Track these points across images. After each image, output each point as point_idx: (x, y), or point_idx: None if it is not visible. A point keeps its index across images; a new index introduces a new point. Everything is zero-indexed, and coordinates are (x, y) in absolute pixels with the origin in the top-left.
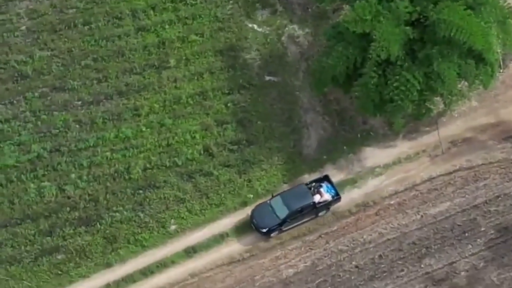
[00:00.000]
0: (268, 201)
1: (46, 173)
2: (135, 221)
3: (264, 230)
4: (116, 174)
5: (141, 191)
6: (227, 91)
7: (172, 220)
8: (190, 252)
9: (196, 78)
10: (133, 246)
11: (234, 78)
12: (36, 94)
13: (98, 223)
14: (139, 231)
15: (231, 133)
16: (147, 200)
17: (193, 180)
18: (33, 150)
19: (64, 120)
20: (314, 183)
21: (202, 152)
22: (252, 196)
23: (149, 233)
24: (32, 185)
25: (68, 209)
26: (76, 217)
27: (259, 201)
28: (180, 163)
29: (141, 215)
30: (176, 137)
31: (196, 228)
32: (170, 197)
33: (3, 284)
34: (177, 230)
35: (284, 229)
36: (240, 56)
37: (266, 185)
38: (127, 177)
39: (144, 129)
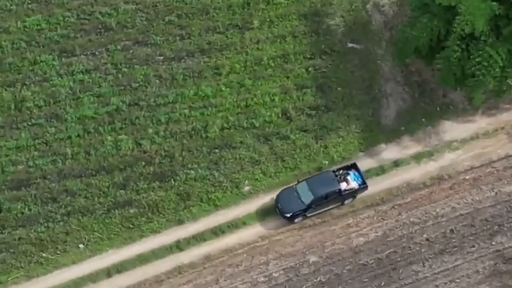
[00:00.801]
0: (294, 186)
1: (123, 126)
2: (209, 179)
3: (288, 215)
4: (193, 132)
5: (217, 150)
6: (308, 56)
7: (246, 181)
8: (262, 214)
9: (278, 40)
10: (206, 204)
11: (317, 43)
12: (119, 47)
13: (172, 180)
14: (213, 190)
15: (310, 98)
16: (223, 159)
17: (269, 142)
18: (112, 102)
19: (145, 75)
20: (341, 171)
21: (280, 115)
22: (327, 162)
23: (222, 193)
24: (109, 137)
25: (143, 163)
26: (150, 172)
27: (334, 168)
28: (257, 125)
29: (216, 174)
30: (255, 99)
31: (269, 191)
32: (246, 158)
33: (75, 234)
34: (251, 192)
35: (308, 215)
36: (324, 21)
37: (342, 152)
38: (204, 135)
39: (223, 89)
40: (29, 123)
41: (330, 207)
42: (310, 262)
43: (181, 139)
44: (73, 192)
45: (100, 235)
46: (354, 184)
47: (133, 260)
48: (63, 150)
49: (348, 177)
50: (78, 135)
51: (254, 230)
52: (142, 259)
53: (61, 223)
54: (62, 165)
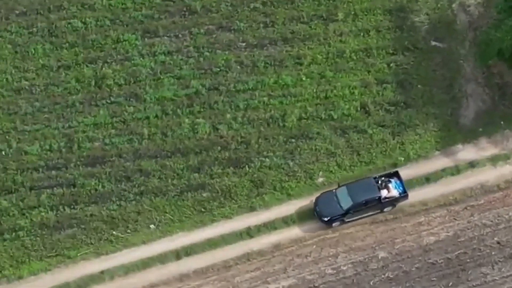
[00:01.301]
0: (334, 190)
1: (202, 110)
2: (283, 168)
3: (326, 219)
4: (270, 120)
5: (293, 140)
6: (391, 51)
7: (321, 172)
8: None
9: (362, 34)
10: (279, 193)
11: (400, 39)
12: (202, 30)
13: (247, 166)
14: (286, 179)
15: (390, 94)
16: (298, 149)
17: (346, 135)
18: (192, 85)
19: (226, 60)
20: (383, 178)
21: (358, 108)
22: (403, 159)
23: (296, 183)
24: (186, 120)
25: (219, 148)
26: (226, 157)
27: (409, 165)
28: (335, 117)
29: (291, 163)
30: (334, 91)
31: (343, 184)
32: (321, 150)
33: (146, 214)
34: (324, 183)
35: (346, 220)
36: (409, 17)
37: (418, 150)
38: (281, 124)
39: (304, 79)
40: (108, 101)
41: (369, 213)
42: (379, 257)
43: (258, 127)
44: (148, 172)
45: (171, 217)
46: (395, 192)
47: (202, 244)
48: (140, 129)
49: (390, 185)
50: (156, 116)
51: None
52: (212, 244)
53: (134, 202)
54: (138, 145)
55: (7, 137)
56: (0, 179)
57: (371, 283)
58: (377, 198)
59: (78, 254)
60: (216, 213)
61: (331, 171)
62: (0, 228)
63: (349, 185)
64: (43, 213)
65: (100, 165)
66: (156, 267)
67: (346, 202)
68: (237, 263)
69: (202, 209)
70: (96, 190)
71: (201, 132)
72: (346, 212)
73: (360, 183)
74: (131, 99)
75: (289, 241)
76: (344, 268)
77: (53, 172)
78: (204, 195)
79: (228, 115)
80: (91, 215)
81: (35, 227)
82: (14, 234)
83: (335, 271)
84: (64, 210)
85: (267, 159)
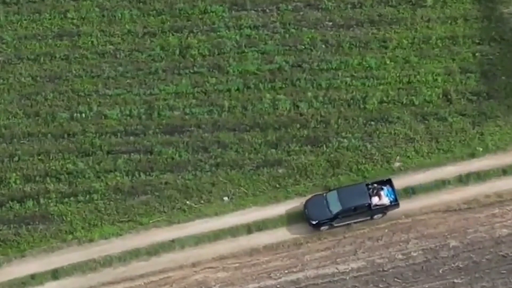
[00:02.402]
0: (324, 194)
1: (283, 86)
2: (361, 150)
3: (314, 222)
4: (351, 101)
5: (372, 123)
6: (477, 41)
7: (398, 157)
8: (409, 192)
9: (449, 22)
10: (354, 175)
11: (487, 29)
12: (290, 7)
13: (324, 146)
14: (363, 162)
15: (473, 83)
16: (377, 132)
17: (426, 122)
18: (276, 61)
19: (312, 38)
20: (375, 185)
21: (440, 96)
22: (481, 149)
23: (372, 165)
24: (268, 95)
25: (298, 125)
26: (304, 135)
27: (487, 156)
28: (416, 103)
29: (368, 146)
30: (418, 76)
31: (419, 170)
32: (400, 134)
33: (221, 186)
34: (400, 168)
35: (335, 225)
36: (498, 8)
37: (497, 142)
38: (362, 106)
39: (388, 62)
40: (191, 71)
41: (359, 220)
42: (450, 246)
43: (339, 107)
44: (225, 144)
45: (245, 191)
46: (385, 200)
47: (275, 219)
48: (221, 101)
49: (381, 192)
50: (238, 89)
51: (400, 207)
52: (284, 220)
53: (209, 173)
54: (218, 116)
55: (88, 99)
56: (79, 141)
57: (440, 271)
58: (367, 205)
59: (150, 221)
60: (290, 190)
61: (408, 157)
62: (75, 190)
63: (340, 190)
64: (118, 178)
65: (179, 134)
66: (227, 239)
67: (335, 207)
68: (308, 242)
69: (277, 185)
70: (172, 158)
71: (281, 108)
72: (335, 217)
73: (351, 189)
74: (214, 71)
75: (361, 223)
76: (415, 254)
77: (131, 138)
78: (280, 171)
79: (310, 93)
80: (166, 183)
81: (110, 191)
82: (88, 196)
83: (405, 257)
84: (140, 176)
85: (345, 140)
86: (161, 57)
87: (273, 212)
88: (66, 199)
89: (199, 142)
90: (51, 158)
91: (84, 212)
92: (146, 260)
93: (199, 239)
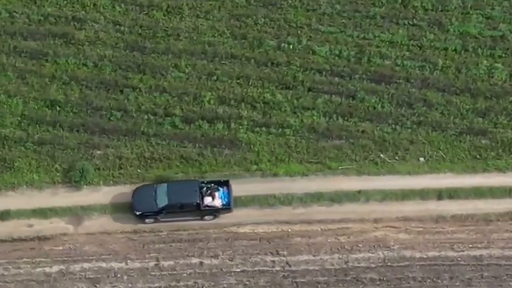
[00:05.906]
0: (155, 185)
1: (503, 55)
2: None
3: (138, 213)
4: None
5: None
6: None
7: None
8: None
9: None
10: None
11: None
12: None
13: None
14: None
15: None
16: None
17: None
18: (500, 28)
19: None
20: (212, 184)
21: None
22: None
23: None
24: (485, 61)
25: (511, 98)
26: None
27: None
28: None
29: None
30: None
31: None
32: None
33: (419, 146)
34: None
35: (160, 219)
36: None
37: None
38: None
39: None
40: (410, 22)
41: (187, 218)
42: None
43: None
44: (431, 104)
45: (443, 155)
46: (217, 202)
47: (468, 190)
48: (435, 59)
49: (216, 193)
50: (455, 50)
51: None
52: (477, 193)
53: (409, 130)
54: (429, 74)
55: (299, 31)
56: (282, 72)
57: None
58: (195, 204)
59: (340, 167)
60: (490, 163)
61: None
62: (268, 121)
63: (171, 184)
64: (315, 117)
65: (385, 84)
66: (415, 201)
67: (162, 201)
68: (498, 220)
69: (477, 156)
70: (374, 108)
71: (496, 77)
72: (160, 211)
73: (182, 184)
74: (434, 26)
75: None
76: None
77: (336, 79)
78: (483, 142)
79: None
80: (362, 131)
81: (304, 129)
82: (281, 130)
83: None
84: (337, 119)
85: None
86: (382, 2)
87: (468, 182)
88: (258, 129)
89: (404, 96)
90: (250, 84)
91: (274, 145)
92: (327, 206)
93: (386, 195)
